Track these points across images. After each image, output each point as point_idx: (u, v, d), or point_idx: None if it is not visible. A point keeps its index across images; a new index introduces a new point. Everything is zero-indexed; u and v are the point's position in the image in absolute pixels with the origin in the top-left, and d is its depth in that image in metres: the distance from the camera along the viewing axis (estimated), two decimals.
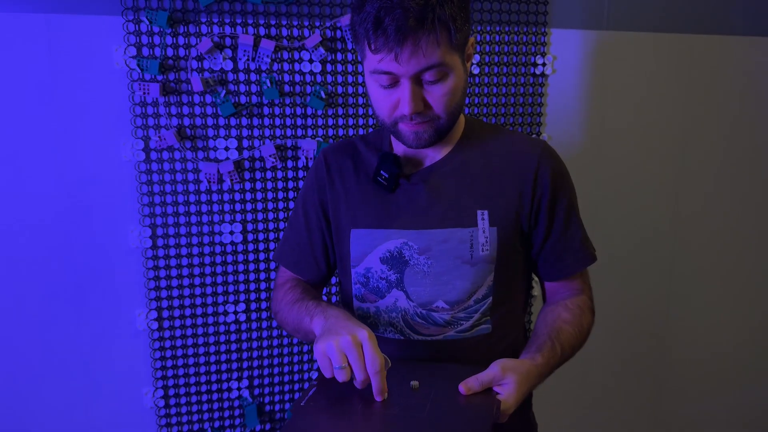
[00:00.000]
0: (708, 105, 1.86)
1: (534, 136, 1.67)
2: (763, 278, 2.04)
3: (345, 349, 0.85)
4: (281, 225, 1.53)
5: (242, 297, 1.53)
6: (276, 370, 1.59)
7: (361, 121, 1.54)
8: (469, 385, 0.89)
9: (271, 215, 1.52)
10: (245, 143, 1.47)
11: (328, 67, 1.49)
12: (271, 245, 1.53)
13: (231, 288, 1.52)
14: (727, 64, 1.84)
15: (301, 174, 1.52)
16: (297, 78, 1.47)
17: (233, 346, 1.55)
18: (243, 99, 1.45)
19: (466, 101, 1.51)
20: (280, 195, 1.51)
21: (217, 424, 1.57)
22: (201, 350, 1.53)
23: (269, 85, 1.44)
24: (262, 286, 1.54)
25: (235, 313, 1.53)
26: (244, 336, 1.55)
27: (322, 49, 1.47)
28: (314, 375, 1.62)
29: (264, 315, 1.55)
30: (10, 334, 1.42)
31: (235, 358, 1.55)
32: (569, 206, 1.08)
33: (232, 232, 1.49)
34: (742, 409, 2.13)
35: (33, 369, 1.45)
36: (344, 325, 0.89)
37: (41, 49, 1.33)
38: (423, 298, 1.04)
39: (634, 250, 1.87)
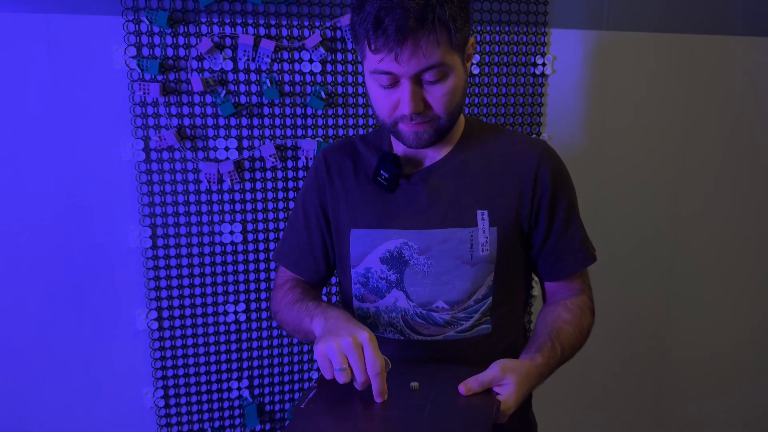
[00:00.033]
0: (708, 105, 1.86)
1: (534, 136, 1.67)
2: (763, 278, 2.04)
3: (346, 350, 0.85)
4: (281, 225, 1.53)
5: (242, 297, 1.53)
6: (276, 370, 1.59)
7: (361, 121, 1.54)
8: (468, 385, 0.89)
9: (271, 215, 1.51)
10: (245, 143, 1.47)
11: (328, 67, 1.49)
12: (271, 245, 1.53)
13: (231, 288, 1.52)
14: (727, 64, 1.84)
15: (301, 174, 1.52)
16: (297, 78, 1.47)
17: (233, 346, 1.55)
18: (243, 99, 1.45)
19: (466, 101, 1.51)
20: (280, 195, 1.51)
21: (217, 424, 1.57)
22: (201, 350, 1.53)
23: (269, 85, 1.44)
24: (262, 286, 1.54)
25: (235, 313, 1.53)
26: (244, 336, 1.55)
27: (322, 49, 1.47)
28: (314, 375, 1.62)
29: (264, 315, 1.55)
30: (10, 334, 1.42)
31: (235, 358, 1.55)
32: (569, 206, 1.08)
33: (232, 232, 1.49)
34: (742, 409, 2.13)
35: (33, 369, 1.45)
36: (345, 327, 0.89)
37: (41, 49, 1.33)
38: (423, 298, 1.04)
39: (634, 250, 1.87)
